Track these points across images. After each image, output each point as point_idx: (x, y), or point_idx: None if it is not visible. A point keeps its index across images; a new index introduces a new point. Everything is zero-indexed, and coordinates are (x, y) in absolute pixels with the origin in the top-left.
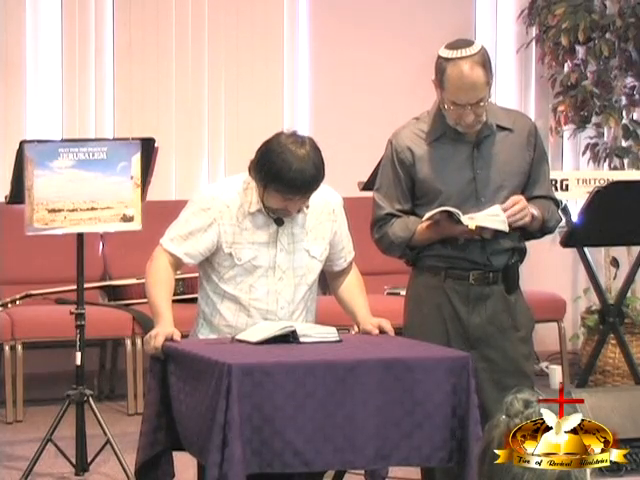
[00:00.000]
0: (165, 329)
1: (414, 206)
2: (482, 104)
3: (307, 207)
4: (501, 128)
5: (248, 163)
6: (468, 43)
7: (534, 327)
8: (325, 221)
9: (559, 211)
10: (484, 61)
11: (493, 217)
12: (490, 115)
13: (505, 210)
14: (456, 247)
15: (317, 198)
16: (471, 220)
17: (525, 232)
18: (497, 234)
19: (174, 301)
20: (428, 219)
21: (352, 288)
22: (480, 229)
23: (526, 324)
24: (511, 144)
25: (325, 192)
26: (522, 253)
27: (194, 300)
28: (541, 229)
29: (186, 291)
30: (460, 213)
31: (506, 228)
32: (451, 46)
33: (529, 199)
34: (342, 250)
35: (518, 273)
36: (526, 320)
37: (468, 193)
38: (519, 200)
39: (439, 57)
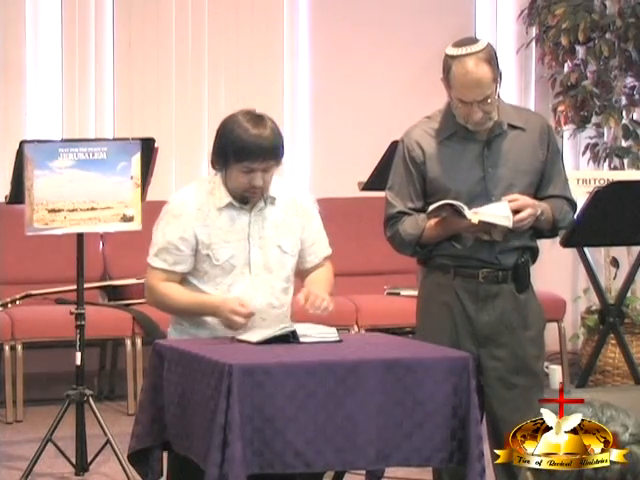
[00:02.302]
0: (228, 304)
1: (426, 204)
2: (489, 101)
3: (274, 199)
4: (513, 127)
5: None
6: (473, 40)
7: (545, 326)
8: (293, 216)
9: (572, 212)
10: (490, 58)
11: (497, 213)
12: (502, 114)
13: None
14: (465, 246)
15: (285, 194)
16: (475, 215)
17: (535, 231)
18: (507, 236)
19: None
20: (431, 212)
21: (315, 277)
22: (483, 224)
23: (537, 323)
24: (523, 143)
25: (293, 189)
26: (533, 252)
27: None
28: (552, 229)
29: None
30: (464, 206)
31: (510, 224)
32: (457, 44)
33: (543, 198)
34: (312, 246)
35: (529, 272)
36: (537, 319)
37: (478, 191)
38: (519, 198)
39: (445, 55)
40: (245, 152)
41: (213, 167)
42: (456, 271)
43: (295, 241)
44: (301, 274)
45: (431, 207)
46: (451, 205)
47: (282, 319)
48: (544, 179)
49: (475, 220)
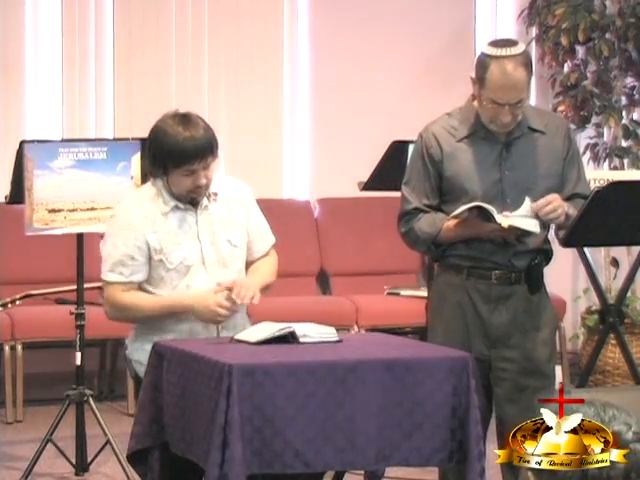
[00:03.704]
0: (208, 299)
1: (441, 202)
2: (519, 105)
3: (215, 195)
4: (532, 130)
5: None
6: (513, 42)
7: (557, 327)
8: (236, 209)
9: None
10: (527, 62)
11: (526, 218)
12: (523, 116)
13: (537, 209)
14: (479, 248)
15: (224, 188)
16: (505, 218)
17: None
18: (520, 238)
19: None
20: (457, 215)
21: (256, 266)
22: (512, 229)
23: (549, 325)
24: (542, 146)
25: (231, 183)
26: (547, 254)
27: None
28: None
29: None
30: (494, 210)
31: (537, 230)
32: (496, 44)
33: (566, 199)
34: (258, 236)
35: (542, 274)
36: (550, 321)
37: (494, 194)
38: (552, 200)
39: (482, 54)
40: (183, 157)
41: (152, 176)
42: (469, 272)
43: (242, 234)
44: (249, 266)
45: (460, 209)
46: (479, 208)
47: (240, 313)
48: (565, 180)
49: (505, 224)
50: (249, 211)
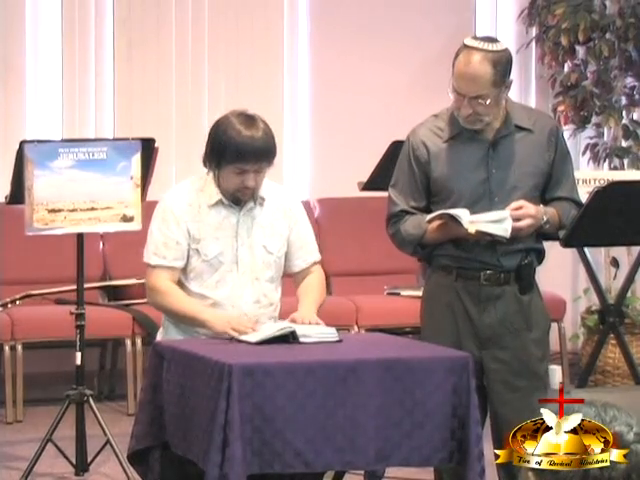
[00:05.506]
0: (226, 319)
1: (429, 203)
2: (480, 101)
3: (263, 200)
4: (520, 128)
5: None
6: (493, 40)
7: (550, 327)
8: (281, 218)
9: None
10: (498, 61)
11: (495, 223)
12: (510, 114)
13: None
14: (466, 248)
15: (273, 195)
16: (472, 224)
17: (542, 234)
18: (507, 240)
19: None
20: (429, 221)
21: (306, 287)
22: (482, 234)
23: (541, 324)
24: (529, 145)
25: (282, 191)
26: (539, 253)
27: None
28: (558, 232)
29: None
30: (461, 217)
31: (507, 235)
32: (477, 37)
33: (550, 200)
34: (300, 250)
35: (533, 273)
36: (541, 320)
37: (481, 193)
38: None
39: (462, 44)
40: (238, 154)
41: (205, 166)
42: (458, 272)
43: (282, 242)
44: (294, 279)
45: (429, 216)
46: (449, 214)
47: (268, 317)
48: (551, 181)
49: (472, 230)
50: (294, 222)
